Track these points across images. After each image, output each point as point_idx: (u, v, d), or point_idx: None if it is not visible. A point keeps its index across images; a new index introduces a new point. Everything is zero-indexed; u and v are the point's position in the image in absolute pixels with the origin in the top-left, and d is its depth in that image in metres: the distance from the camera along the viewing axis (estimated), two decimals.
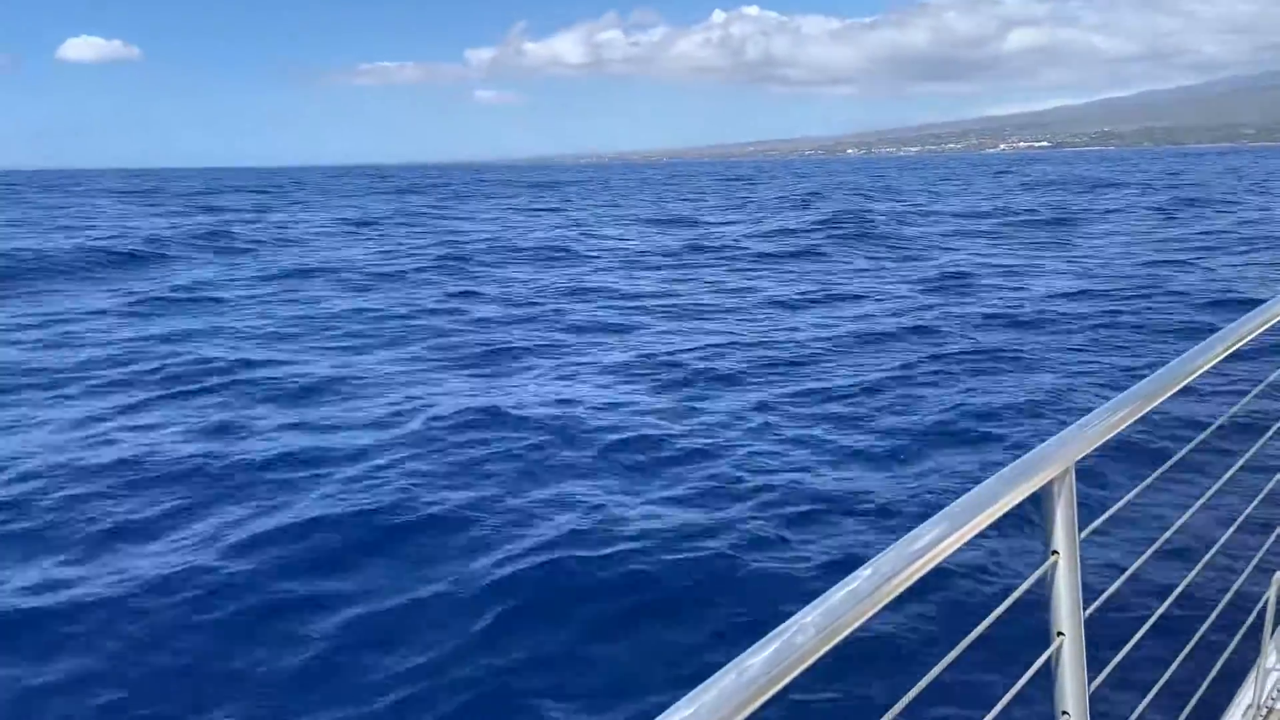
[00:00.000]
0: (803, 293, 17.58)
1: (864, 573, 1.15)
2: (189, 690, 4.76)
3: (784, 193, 58.38)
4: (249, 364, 11.86)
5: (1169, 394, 1.91)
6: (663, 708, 0.91)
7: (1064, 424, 1.65)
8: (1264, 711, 2.38)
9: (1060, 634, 1.56)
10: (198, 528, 6.67)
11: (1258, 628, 2.28)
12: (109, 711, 4.60)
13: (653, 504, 6.91)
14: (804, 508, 6.81)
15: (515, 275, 20.92)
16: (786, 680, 1.00)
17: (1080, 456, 1.57)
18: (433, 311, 16.11)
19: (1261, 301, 2.61)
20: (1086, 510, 1.52)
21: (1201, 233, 26.60)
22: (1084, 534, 1.60)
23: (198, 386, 10.81)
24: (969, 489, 1.37)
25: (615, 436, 8.54)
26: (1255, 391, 3.34)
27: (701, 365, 11.57)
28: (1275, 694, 2.42)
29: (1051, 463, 1.50)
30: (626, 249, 25.99)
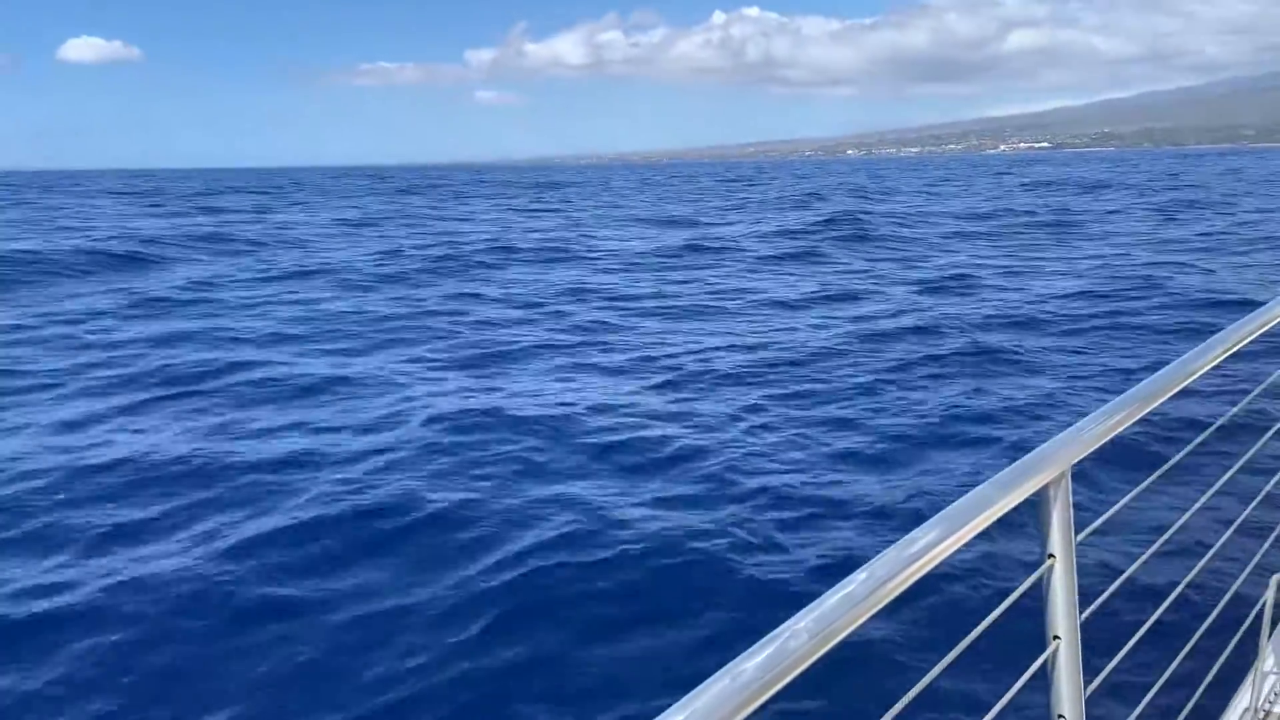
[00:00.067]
0: (801, 293, 17.58)
1: (859, 576, 1.15)
2: (186, 691, 4.75)
3: (784, 193, 58.37)
4: (248, 365, 11.85)
5: (1166, 397, 1.91)
6: (657, 711, 0.91)
7: (1062, 426, 1.64)
8: (1261, 714, 2.38)
9: (1056, 638, 1.56)
10: (193, 528, 6.66)
11: (1255, 631, 2.28)
12: (106, 713, 4.60)
13: (649, 506, 6.91)
14: (800, 510, 6.80)
15: (515, 276, 20.92)
16: (781, 684, 1.00)
17: (1077, 460, 1.57)
18: (432, 313, 16.11)
19: (1259, 303, 2.61)
20: (1083, 514, 1.52)
21: (1201, 234, 26.60)
22: (1080, 537, 1.60)
23: (196, 387, 10.81)
24: (965, 492, 1.37)
25: (613, 437, 8.54)
26: (1253, 394, 3.34)
27: (700, 366, 11.57)
28: (1273, 697, 2.42)
29: (1048, 466, 1.49)
30: (626, 250, 25.99)
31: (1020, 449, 1.62)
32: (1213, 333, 2.24)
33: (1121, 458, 6.68)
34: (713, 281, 19.62)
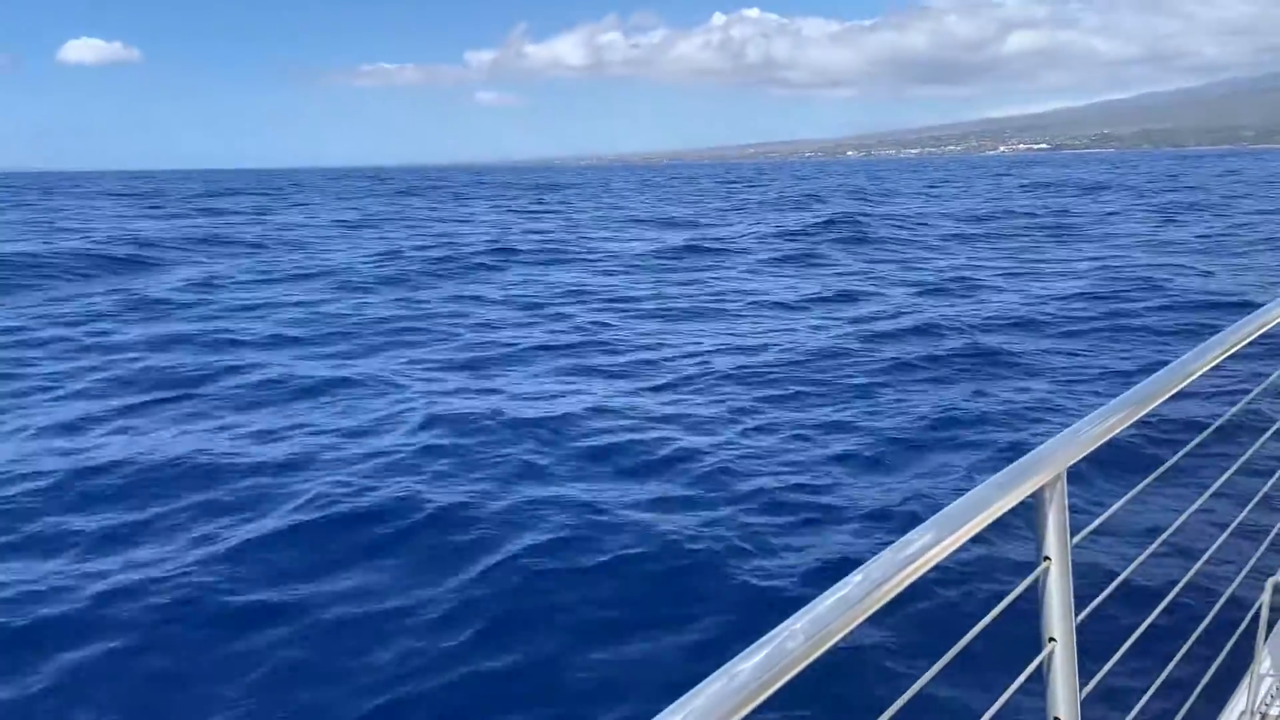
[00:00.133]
0: (801, 295, 17.58)
1: (854, 579, 1.15)
2: (183, 695, 4.75)
3: (783, 195, 58.39)
4: (247, 367, 11.86)
5: (1163, 399, 1.91)
6: (653, 713, 0.92)
7: (1058, 428, 1.65)
8: (1257, 717, 2.38)
9: (1052, 640, 1.56)
10: (191, 531, 6.66)
11: (1251, 633, 2.28)
12: (104, 714, 4.60)
13: (646, 508, 6.90)
14: (796, 513, 6.80)
15: (514, 277, 20.93)
16: (776, 686, 1.00)
17: (1073, 462, 1.57)
18: (432, 315, 16.12)
19: (1258, 305, 2.62)
20: (1079, 516, 1.53)
21: (1200, 235, 26.61)
22: (1076, 540, 1.60)
23: (195, 390, 10.80)
24: (961, 494, 1.38)
25: (611, 439, 8.55)
26: (1250, 396, 3.34)
27: (699, 368, 11.57)
28: (1269, 699, 2.42)
29: (1044, 468, 1.50)
30: (626, 251, 25.99)
31: (1017, 451, 1.62)
32: (1211, 334, 2.24)
33: (1118, 460, 6.68)
34: (712, 283, 19.63)
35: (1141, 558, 2.05)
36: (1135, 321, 13.83)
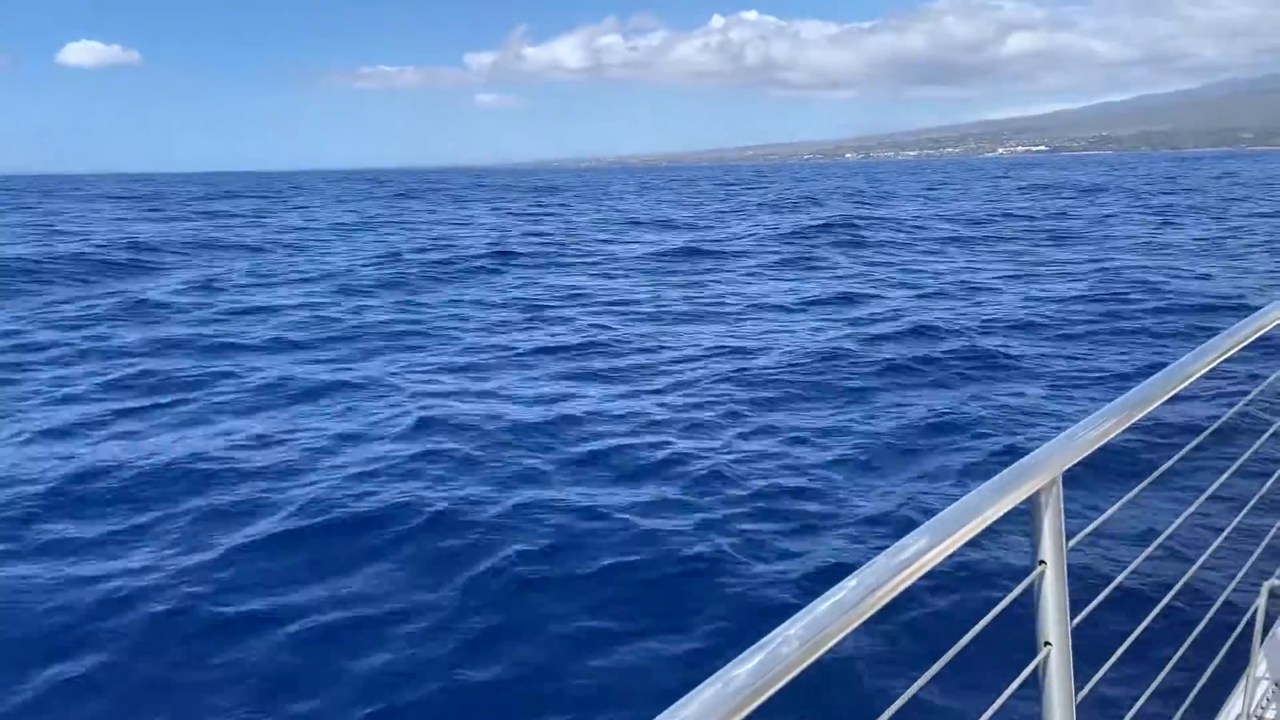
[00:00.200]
0: (799, 297, 17.59)
1: (849, 583, 1.15)
2: (176, 700, 4.74)
3: (782, 197, 58.41)
4: (246, 370, 11.85)
5: (1158, 403, 1.91)
6: (648, 718, 0.92)
7: (1054, 432, 1.65)
8: None
9: (1047, 644, 1.56)
10: (187, 535, 6.65)
11: (1246, 636, 2.28)
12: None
13: (642, 513, 6.89)
14: (792, 517, 6.79)
15: (514, 280, 20.93)
16: (771, 691, 1.00)
17: (1068, 466, 1.57)
18: (431, 317, 16.11)
19: (1255, 308, 2.62)
20: (1075, 520, 1.53)
21: (1197, 238, 26.64)
22: (1072, 544, 1.60)
23: (193, 393, 10.80)
24: (956, 499, 1.38)
25: (608, 443, 8.54)
26: (1246, 399, 3.35)
27: (697, 370, 11.57)
28: (1265, 703, 2.42)
29: (1039, 472, 1.49)
30: (625, 254, 26.00)
31: (1013, 454, 1.63)
32: (1207, 337, 2.24)
33: (1113, 464, 6.68)
34: (711, 285, 19.64)
35: (1137, 562, 2.05)
36: (1133, 324, 13.84)
